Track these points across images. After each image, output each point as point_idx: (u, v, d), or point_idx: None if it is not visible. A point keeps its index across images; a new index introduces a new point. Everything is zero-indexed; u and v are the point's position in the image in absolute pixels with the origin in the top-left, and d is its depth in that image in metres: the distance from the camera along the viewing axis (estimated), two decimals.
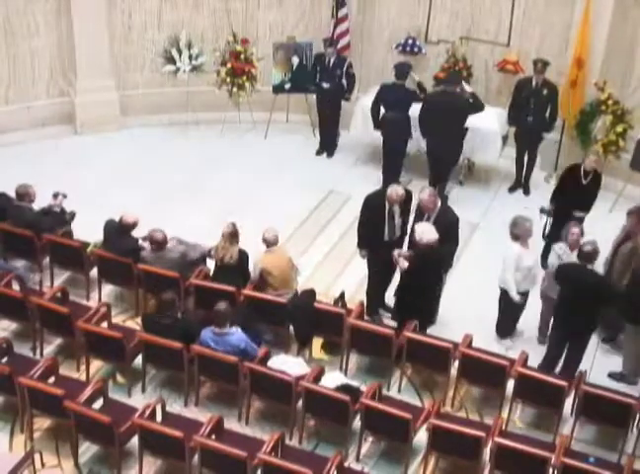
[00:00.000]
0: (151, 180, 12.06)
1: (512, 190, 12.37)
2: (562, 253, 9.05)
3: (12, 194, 9.98)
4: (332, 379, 8.29)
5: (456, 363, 8.62)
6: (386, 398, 8.43)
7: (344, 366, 9.01)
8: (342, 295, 9.38)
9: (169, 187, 11.94)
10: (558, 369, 8.80)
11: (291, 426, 8.25)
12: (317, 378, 8.30)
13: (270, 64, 13.26)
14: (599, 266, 8.93)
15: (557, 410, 8.24)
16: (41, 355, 8.98)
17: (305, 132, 13.53)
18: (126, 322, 9.50)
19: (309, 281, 9.84)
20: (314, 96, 13.04)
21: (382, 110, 11.82)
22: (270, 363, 8.46)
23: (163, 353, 8.40)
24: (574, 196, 10.15)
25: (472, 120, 11.50)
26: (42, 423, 8.18)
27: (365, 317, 9.37)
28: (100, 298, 9.73)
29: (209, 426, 7.63)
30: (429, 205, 9.28)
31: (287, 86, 13.31)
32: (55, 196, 10.06)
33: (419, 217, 9.38)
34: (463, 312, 9.62)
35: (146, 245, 9.49)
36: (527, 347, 9.10)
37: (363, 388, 8.27)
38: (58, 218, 10.02)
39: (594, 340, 9.01)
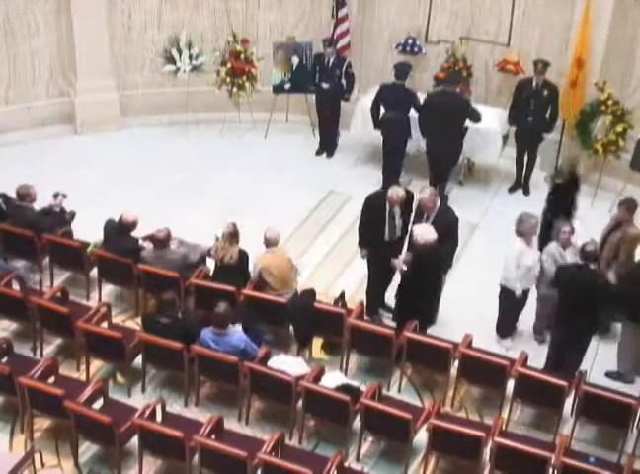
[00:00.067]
0: (151, 180, 12.06)
1: (512, 190, 12.37)
2: (556, 253, 9.06)
3: (12, 194, 9.98)
4: (332, 379, 8.29)
5: (456, 363, 8.62)
6: (386, 398, 8.43)
7: (344, 366, 9.01)
8: (342, 295, 9.38)
9: (169, 187, 11.94)
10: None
11: (291, 426, 8.25)
12: (317, 378, 8.30)
13: (270, 64, 13.26)
14: None
15: (557, 410, 8.24)
16: (41, 355, 8.99)
17: (305, 132, 13.53)
18: (126, 322, 9.50)
19: (309, 281, 9.84)
20: (314, 96, 13.04)
21: (382, 109, 11.83)
22: (270, 363, 8.46)
23: (163, 353, 8.40)
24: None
25: None
26: (42, 423, 8.18)
27: (365, 317, 9.38)
28: (100, 298, 9.73)
29: (209, 426, 7.63)
30: (428, 205, 9.29)
31: (287, 86, 13.31)
32: (55, 196, 10.06)
33: (418, 217, 9.39)
34: (463, 312, 9.63)
35: (146, 245, 9.49)
36: (527, 347, 9.11)
37: (363, 388, 8.27)
38: (58, 218, 10.02)
39: (594, 340, 9.00)
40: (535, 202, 11.02)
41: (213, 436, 7.63)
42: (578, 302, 8.45)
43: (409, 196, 9.49)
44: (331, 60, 12.61)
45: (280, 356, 8.68)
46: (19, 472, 7.39)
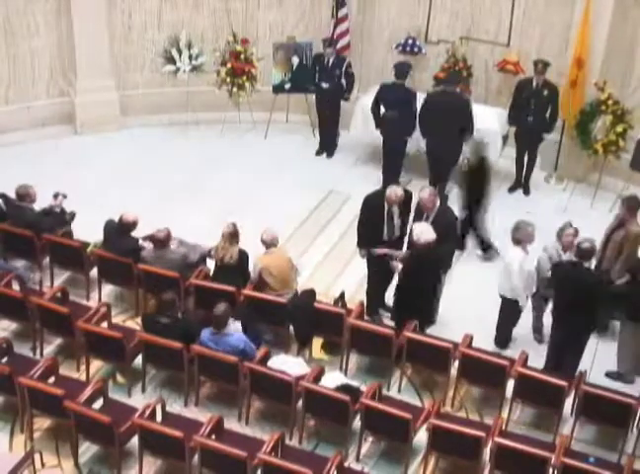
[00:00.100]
0: (151, 180, 12.05)
1: (512, 190, 12.36)
2: (554, 253, 9.04)
3: (12, 194, 9.97)
4: (332, 379, 8.29)
5: (456, 363, 8.62)
6: (386, 398, 8.43)
7: (344, 366, 9.01)
8: (342, 295, 9.38)
9: (169, 187, 11.93)
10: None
11: (291, 426, 8.25)
12: (317, 378, 8.30)
13: (270, 64, 13.26)
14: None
15: (557, 410, 8.24)
16: (41, 355, 8.99)
17: (305, 132, 13.53)
18: (126, 322, 9.50)
19: (309, 281, 9.84)
20: (314, 96, 13.04)
21: (382, 109, 11.83)
22: (270, 363, 8.46)
23: (163, 353, 8.39)
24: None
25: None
26: (42, 423, 8.18)
27: (365, 317, 9.37)
28: (100, 298, 9.73)
29: (209, 426, 7.63)
30: (428, 205, 9.30)
31: (287, 86, 13.30)
32: (55, 196, 10.06)
33: (418, 216, 9.40)
34: (463, 312, 9.62)
35: (146, 245, 9.49)
36: (527, 347, 9.10)
37: (363, 388, 8.27)
38: (58, 218, 10.02)
39: (593, 340, 9.00)
40: (535, 202, 11.06)
41: (213, 436, 7.63)
42: (575, 300, 8.43)
43: (407, 195, 9.48)
44: (331, 60, 12.60)
45: (280, 356, 8.68)
46: (19, 472, 7.39)
